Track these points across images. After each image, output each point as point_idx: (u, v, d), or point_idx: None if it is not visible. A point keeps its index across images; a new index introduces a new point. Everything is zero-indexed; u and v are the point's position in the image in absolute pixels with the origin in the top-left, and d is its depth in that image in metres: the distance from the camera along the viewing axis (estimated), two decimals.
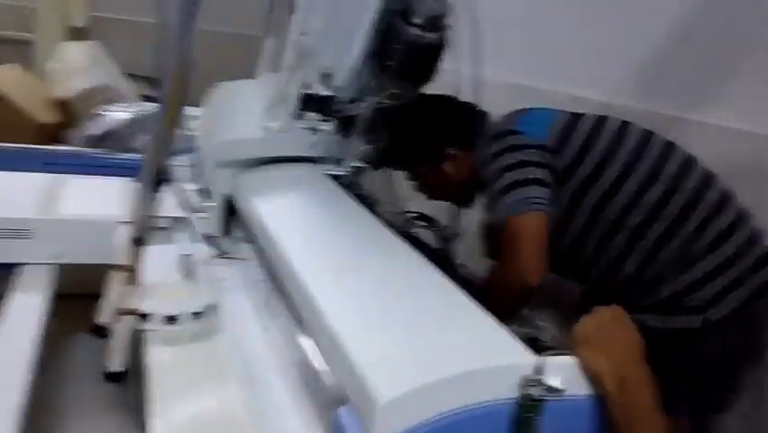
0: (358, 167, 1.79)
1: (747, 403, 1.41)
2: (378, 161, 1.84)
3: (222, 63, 2.91)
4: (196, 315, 1.28)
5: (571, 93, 2.01)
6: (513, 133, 1.55)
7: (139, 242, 1.22)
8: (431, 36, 1.46)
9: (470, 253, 1.70)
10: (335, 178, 1.75)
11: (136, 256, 1.24)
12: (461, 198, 1.75)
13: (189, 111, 2.76)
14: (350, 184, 1.82)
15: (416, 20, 1.44)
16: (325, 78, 1.55)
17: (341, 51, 1.52)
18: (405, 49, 1.46)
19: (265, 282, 1.38)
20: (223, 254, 1.41)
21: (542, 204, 1.43)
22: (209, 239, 1.30)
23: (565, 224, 1.51)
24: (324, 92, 1.56)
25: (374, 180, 1.81)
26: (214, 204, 1.74)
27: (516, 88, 1.97)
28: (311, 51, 1.47)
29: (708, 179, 1.44)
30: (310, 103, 1.60)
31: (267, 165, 1.73)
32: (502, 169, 1.50)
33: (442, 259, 1.47)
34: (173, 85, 1.14)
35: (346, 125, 1.65)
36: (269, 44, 1.59)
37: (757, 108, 1.54)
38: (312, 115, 1.63)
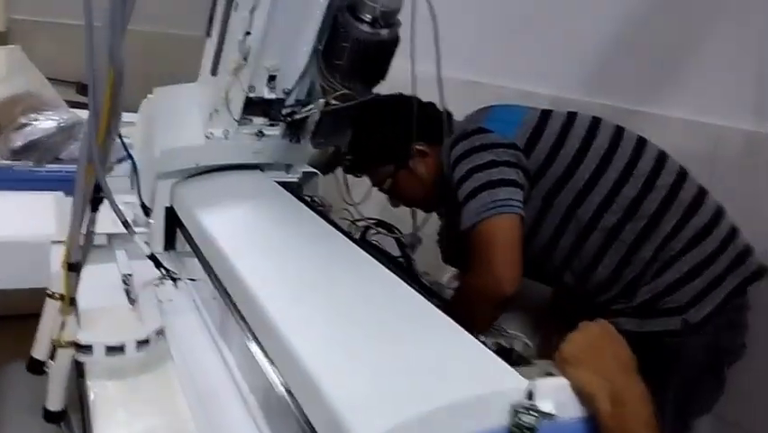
0: (309, 172, 1.70)
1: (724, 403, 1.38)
2: (330, 165, 1.76)
3: (161, 66, 2.78)
4: (142, 343, 1.17)
5: (521, 88, 1.97)
6: (480, 131, 1.45)
7: (74, 266, 1.10)
8: (382, 33, 1.38)
9: (430, 260, 1.63)
10: (285, 185, 1.66)
11: (72, 282, 1.12)
12: (433, 201, 1.66)
13: (126, 117, 2.65)
14: (301, 191, 1.73)
15: (366, 16, 1.35)
16: (271, 79, 1.45)
17: (287, 51, 1.42)
18: (355, 47, 1.38)
19: (216, 301, 1.28)
20: (167, 273, 1.29)
21: (515, 206, 1.35)
22: (152, 256, 1.19)
23: (537, 225, 1.44)
24: (270, 95, 1.47)
25: (327, 186, 1.73)
26: (155, 218, 1.63)
27: (464, 84, 1.91)
28: (254, 52, 1.38)
29: (682, 175, 1.39)
30: (255, 106, 1.51)
31: (210, 174, 1.62)
32: (471, 170, 1.40)
33: (403, 268, 1.40)
34: (104, 90, 1.03)
35: (295, 129, 1.56)
36: (209, 45, 1.48)
37: (715, 99, 1.51)
38: (257, 119, 1.54)
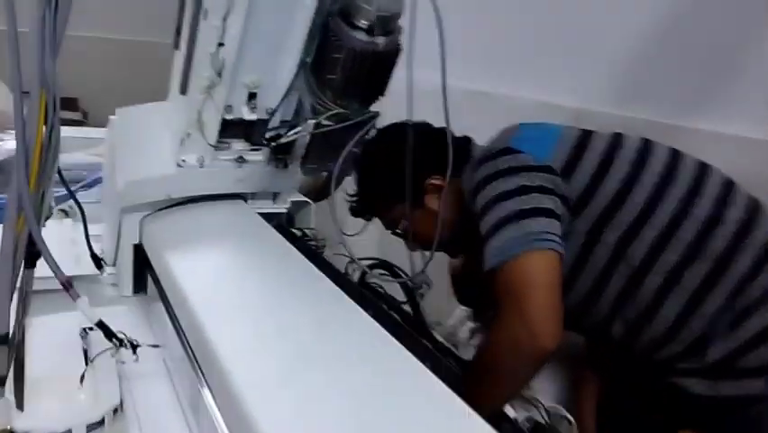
0: (299, 201, 1.49)
1: None
2: (323, 192, 1.55)
3: (146, 77, 2.56)
4: (94, 427, 0.95)
5: (538, 99, 1.76)
6: (508, 151, 1.21)
7: (3, 339, 0.89)
8: (380, 41, 1.17)
9: (441, 306, 1.41)
10: (272, 216, 1.45)
11: (4, 358, 0.90)
12: (458, 243, 1.40)
13: (93, 133, 2.43)
14: (290, 222, 1.52)
15: (362, 22, 1.15)
16: (251, 97, 1.24)
17: (268, 65, 1.21)
18: (349, 58, 1.18)
19: (185, 364, 1.07)
20: (120, 343, 1.05)
21: (552, 240, 1.09)
22: (100, 324, 0.97)
23: (578, 266, 1.19)
24: (251, 115, 1.26)
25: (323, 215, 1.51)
26: (121, 258, 1.41)
27: (481, 96, 1.69)
28: (230, 66, 1.16)
29: (753, 207, 1.15)
30: (234, 129, 1.30)
31: (185, 206, 1.41)
32: (497, 197, 1.15)
33: (410, 319, 1.18)
34: (36, 120, 0.82)
35: (281, 154, 1.34)
36: (178, 59, 1.27)
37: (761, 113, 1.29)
38: (237, 143, 1.33)
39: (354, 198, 1.46)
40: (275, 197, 1.47)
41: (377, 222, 1.50)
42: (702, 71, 1.44)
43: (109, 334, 1.00)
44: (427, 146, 1.31)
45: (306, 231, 1.48)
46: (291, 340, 0.91)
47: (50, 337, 1.17)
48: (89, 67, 3.91)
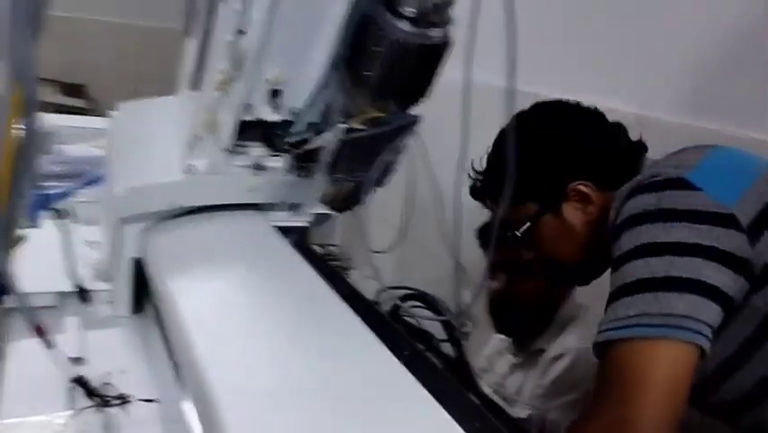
0: (321, 214, 1.31)
1: None
2: (348, 201, 1.36)
3: (158, 65, 2.39)
4: None
5: (585, 100, 1.57)
6: (682, 185, 0.90)
7: None
8: (431, 33, 0.99)
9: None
10: (287, 231, 1.27)
11: None
12: (580, 269, 1.17)
13: (99, 123, 2.25)
14: (302, 238, 1.34)
15: (409, 10, 0.97)
16: (274, 95, 1.06)
17: (296, 58, 1.03)
18: (391, 52, 1.00)
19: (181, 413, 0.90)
20: (104, 402, 0.87)
21: (700, 332, 0.82)
22: (78, 380, 0.80)
23: (746, 353, 0.90)
24: (273, 116, 1.08)
25: (345, 233, 1.33)
26: (119, 274, 1.24)
27: (530, 98, 1.49)
28: (253, 58, 0.98)
29: None
30: (252, 131, 1.12)
31: (193, 216, 1.23)
32: (646, 247, 0.87)
33: (454, 365, 1.00)
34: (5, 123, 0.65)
35: (305, 161, 1.16)
36: (191, 47, 1.09)
37: None
38: (255, 147, 1.15)
39: (481, 177, 1.24)
40: (294, 208, 1.29)
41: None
42: None
43: (90, 392, 0.82)
44: (584, 140, 1.10)
45: (331, 247, 1.30)
46: (312, 393, 0.74)
47: (31, 370, 1.00)
48: (101, 52, 3.74)
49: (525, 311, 1.49)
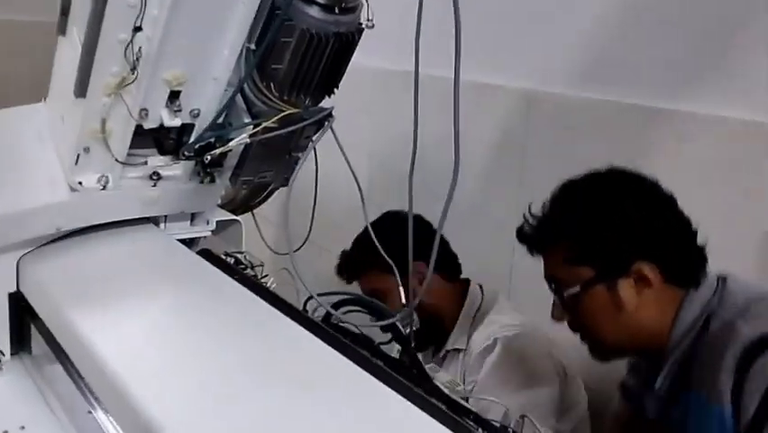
0: (224, 221, 1.20)
1: None
2: (248, 201, 1.27)
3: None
4: None
5: (475, 80, 1.56)
6: None
7: None
8: (343, 20, 0.92)
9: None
10: (189, 243, 1.16)
11: None
12: (614, 353, 1.13)
13: None
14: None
15: None
16: (174, 97, 0.95)
17: (199, 54, 0.92)
18: (302, 42, 0.92)
19: None
20: None
21: None
22: None
23: None
24: (172, 120, 0.97)
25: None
26: None
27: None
28: (150, 58, 0.86)
29: None
30: (148, 138, 1.00)
31: (77, 237, 1.09)
32: None
33: (406, 370, 0.95)
34: None
35: (209, 166, 1.05)
36: (65, 48, 0.94)
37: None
38: (151, 155, 1.03)
39: (537, 224, 1.14)
40: (193, 217, 1.18)
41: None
42: (701, 46, 1.27)
43: None
44: (668, 226, 1.05)
45: (238, 255, 1.20)
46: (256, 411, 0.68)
47: None
48: None
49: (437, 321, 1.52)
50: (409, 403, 0.74)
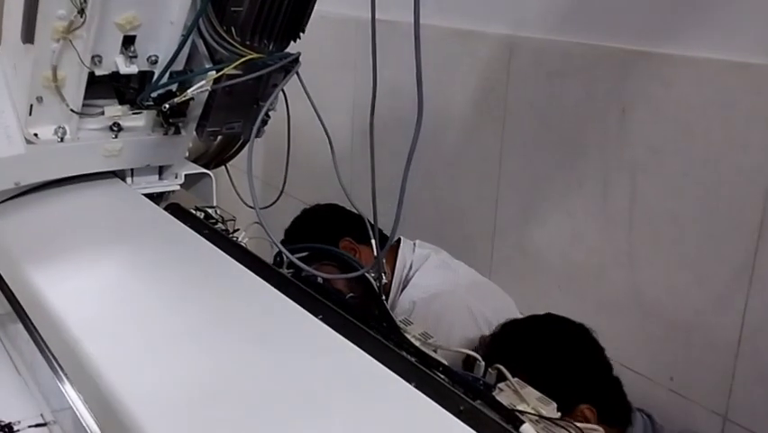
0: (193, 175, 1.16)
1: None
2: (220, 156, 1.23)
3: None
4: None
5: (455, 27, 1.51)
6: None
7: None
8: None
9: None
10: (157, 198, 1.12)
11: None
12: None
13: None
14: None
15: None
16: (128, 43, 0.90)
17: None
18: None
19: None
20: None
21: None
22: None
23: None
24: (129, 67, 0.92)
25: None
26: None
27: (388, 26, 1.38)
28: (98, 1, 0.82)
29: None
30: (105, 87, 0.96)
31: (39, 192, 1.05)
32: None
33: (375, 322, 0.93)
34: None
35: (172, 117, 1.01)
36: None
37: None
38: (110, 105, 0.98)
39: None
40: (161, 171, 1.14)
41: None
42: None
43: None
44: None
45: (208, 210, 1.16)
46: (216, 374, 0.66)
47: None
48: None
49: None
50: (371, 358, 0.71)
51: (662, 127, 1.19)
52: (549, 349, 1.13)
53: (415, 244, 1.54)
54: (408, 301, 1.42)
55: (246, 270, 0.87)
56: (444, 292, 1.40)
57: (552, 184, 1.39)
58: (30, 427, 0.76)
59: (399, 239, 1.53)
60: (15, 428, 0.73)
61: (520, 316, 1.34)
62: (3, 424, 0.71)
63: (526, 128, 1.42)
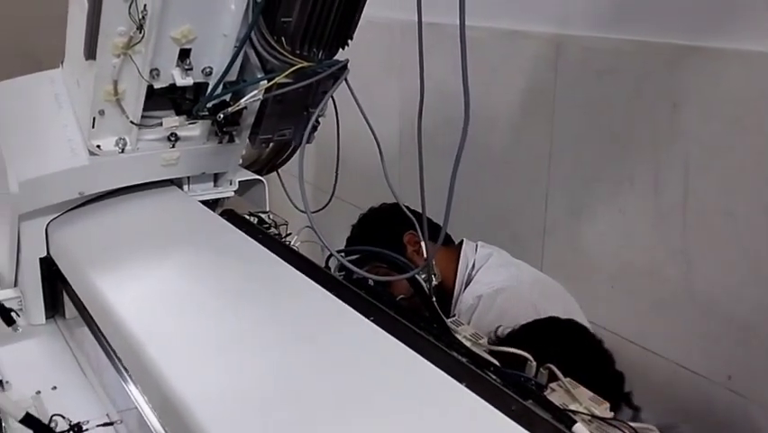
0: (247, 181, 1.20)
1: None
2: (271, 162, 1.26)
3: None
4: None
5: (504, 27, 1.51)
6: None
7: None
8: None
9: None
10: (213, 204, 1.16)
11: None
12: None
13: None
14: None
15: None
16: (183, 56, 0.94)
17: (204, 11, 0.91)
18: None
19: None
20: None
21: None
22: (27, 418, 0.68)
23: None
24: (185, 79, 0.96)
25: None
26: (24, 277, 1.09)
27: (433, 29, 1.38)
28: (154, 16, 0.85)
29: None
30: (163, 99, 0.99)
31: (102, 201, 1.10)
32: None
33: (427, 324, 0.94)
34: None
35: (226, 125, 1.04)
36: (75, 10, 0.94)
37: None
38: (167, 116, 1.02)
39: None
40: (216, 178, 1.18)
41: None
42: None
43: (42, 429, 0.70)
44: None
45: (261, 215, 1.19)
46: (274, 376, 0.68)
47: None
48: None
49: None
50: (423, 359, 0.72)
51: (714, 122, 1.17)
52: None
53: (477, 244, 1.55)
54: (473, 297, 1.43)
55: (299, 273, 0.90)
56: (509, 288, 1.41)
57: (602, 182, 1.38)
58: (97, 426, 0.80)
59: (462, 240, 1.55)
60: (84, 427, 0.76)
61: (581, 313, 1.34)
62: (72, 424, 0.75)
63: (575, 126, 1.42)
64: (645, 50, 1.23)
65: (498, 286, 1.39)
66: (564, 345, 1.10)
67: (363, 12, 0.99)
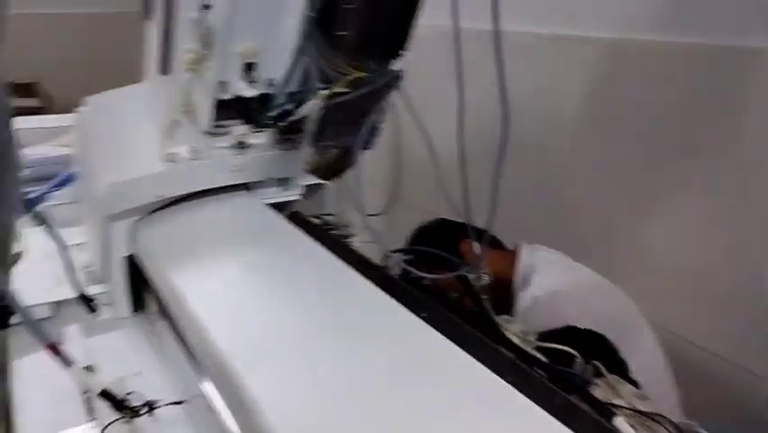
0: (311, 185, 1.27)
1: None
2: (334, 169, 1.32)
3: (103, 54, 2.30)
4: None
5: (560, 33, 1.53)
6: None
7: None
8: None
9: None
10: (280, 207, 1.23)
11: None
12: None
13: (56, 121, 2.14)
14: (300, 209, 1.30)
15: None
16: (249, 69, 1.01)
17: (266, 26, 0.98)
18: (365, 6, 0.95)
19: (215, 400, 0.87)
20: (130, 412, 0.83)
21: None
22: (105, 393, 0.76)
23: None
24: (250, 91, 1.04)
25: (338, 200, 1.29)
26: (112, 274, 1.20)
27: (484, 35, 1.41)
28: (222, 32, 0.93)
29: None
30: (230, 109, 1.07)
31: (181, 205, 1.19)
32: None
33: (476, 320, 0.98)
34: None
35: (289, 133, 1.12)
36: (152, 30, 1.03)
37: None
38: (236, 125, 1.10)
39: None
40: (283, 183, 1.25)
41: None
42: None
43: (119, 404, 0.78)
44: None
45: (326, 217, 1.26)
46: (341, 372, 0.72)
47: (41, 386, 0.97)
48: (51, 47, 3.59)
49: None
50: (468, 355, 0.75)
51: None
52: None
53: (537, 247, 1.57)
54: (530, 297, 1.45)
55: (356, 273, 0.95)
56: (566, 291, 1.43)
57: (662, 186, 1.38)
58: (167, 404, 0.87)
59: (521, 244, 1.58)
60: (157, 404, 0.84)
61: (640, 316, 1.34)
62: (147, 401, 0.83)
63: (634, 130, 1.42)
64: (702, 52, 1.23)
65: (555, 288, 1.40)
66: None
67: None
